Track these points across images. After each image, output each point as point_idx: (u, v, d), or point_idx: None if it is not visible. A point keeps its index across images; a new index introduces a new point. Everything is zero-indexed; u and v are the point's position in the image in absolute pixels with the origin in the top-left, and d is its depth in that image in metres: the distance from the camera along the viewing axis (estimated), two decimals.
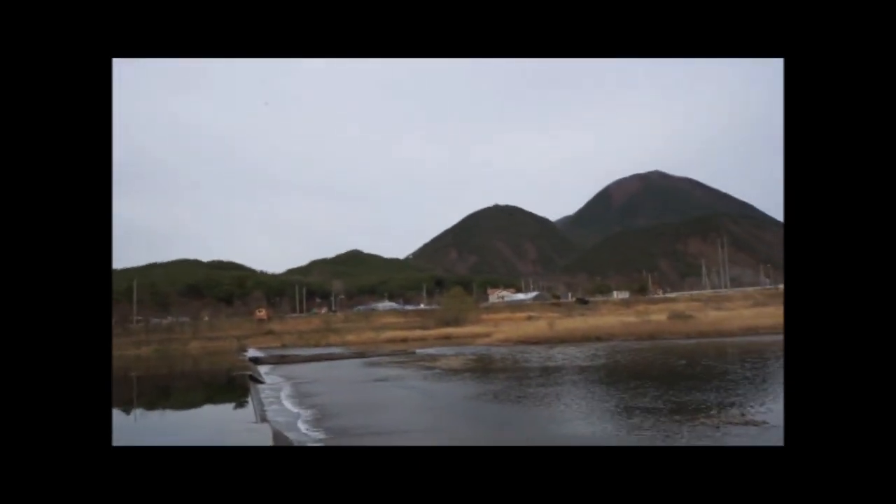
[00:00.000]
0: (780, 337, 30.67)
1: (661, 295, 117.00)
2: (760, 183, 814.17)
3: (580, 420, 13.29)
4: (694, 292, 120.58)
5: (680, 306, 58.80)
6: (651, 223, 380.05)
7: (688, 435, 10.96)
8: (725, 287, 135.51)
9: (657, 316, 45.22)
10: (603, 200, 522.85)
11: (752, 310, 52.37)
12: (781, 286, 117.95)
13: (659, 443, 10.56)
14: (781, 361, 21.77)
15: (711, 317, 43.27)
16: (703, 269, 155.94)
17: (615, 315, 55.43)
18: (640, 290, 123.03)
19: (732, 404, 13.77)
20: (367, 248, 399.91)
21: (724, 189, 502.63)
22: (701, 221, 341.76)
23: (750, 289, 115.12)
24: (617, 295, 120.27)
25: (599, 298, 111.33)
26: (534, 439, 11.61)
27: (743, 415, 12.44)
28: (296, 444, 11.59)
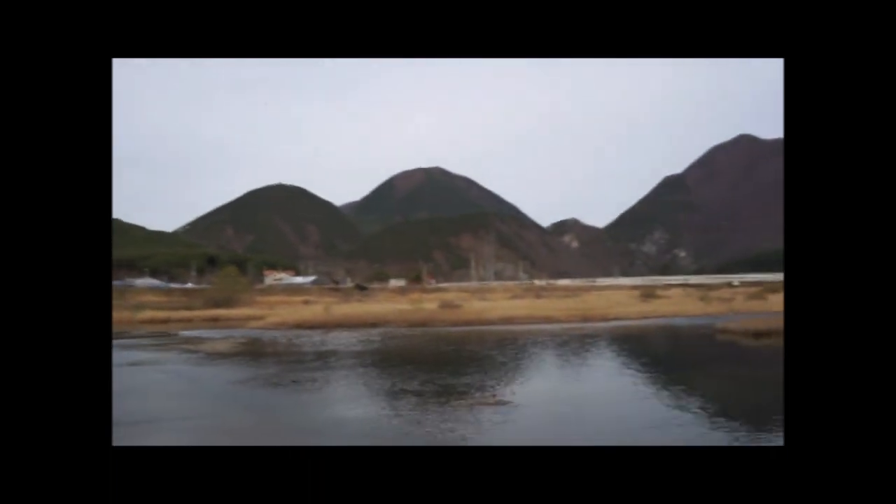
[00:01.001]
0: (531, 326, 34.60)
1: (434, 284, 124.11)
2: (526, 188, 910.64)
3: (349, 402, 13.57)
4: (463, 283, 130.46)
5: (450, 296, 62.90)
6: (429, 216, 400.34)
7: (446, 415, 11.88)
8: (490, 280, 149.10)
9: (429, 304, 47.56)
10: (388, 190, 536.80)
11: (510, 301, 58.25)
12: (536, 281, 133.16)
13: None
14: (533, 348, 24.62)
15: (476, 307, 46.90)
16: (472, 263, 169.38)
17: (391, 302, 57.23)
18: (416, 279, 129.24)
19: (487, 387, 15.23)
20: (127, 216, 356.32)
21: (495, 190, 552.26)
22: (473, 218, 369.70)
23: (510, 283, 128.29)
24: (394, 283, 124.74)
25: (377, 285, 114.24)
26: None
27: (494, 395, 13.87)
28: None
